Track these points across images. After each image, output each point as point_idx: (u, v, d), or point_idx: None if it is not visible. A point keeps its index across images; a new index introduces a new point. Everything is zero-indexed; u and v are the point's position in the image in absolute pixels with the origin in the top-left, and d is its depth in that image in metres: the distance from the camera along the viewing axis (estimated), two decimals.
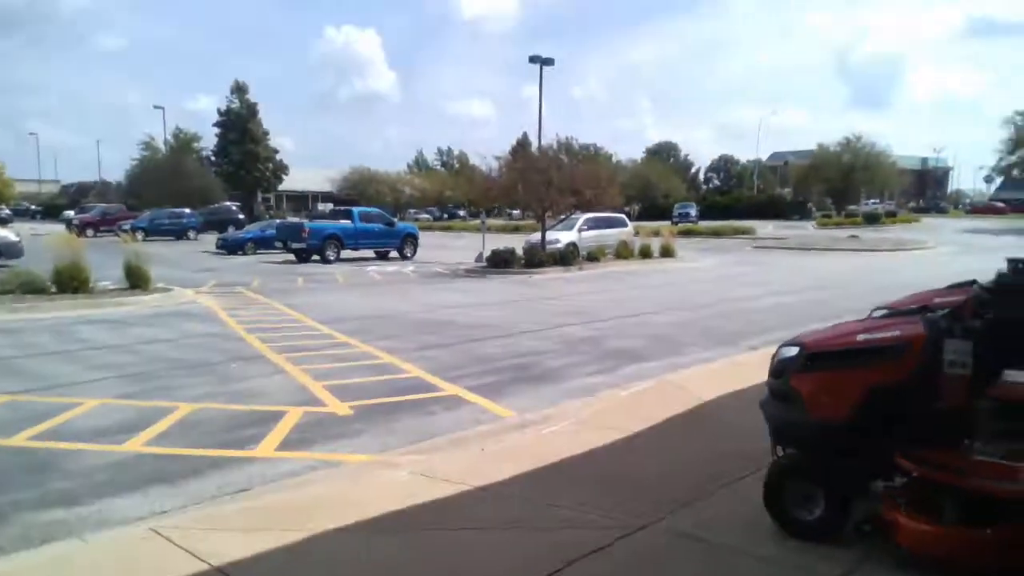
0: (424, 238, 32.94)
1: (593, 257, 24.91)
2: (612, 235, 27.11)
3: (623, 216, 30.01)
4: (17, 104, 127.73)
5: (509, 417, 6.68)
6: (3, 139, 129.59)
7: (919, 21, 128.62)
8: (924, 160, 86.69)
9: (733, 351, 9.88)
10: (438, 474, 5.03)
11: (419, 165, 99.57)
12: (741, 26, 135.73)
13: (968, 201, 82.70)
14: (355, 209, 30.21)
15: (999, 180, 70.07)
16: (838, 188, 65.91)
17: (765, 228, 47.20)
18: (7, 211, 61.03)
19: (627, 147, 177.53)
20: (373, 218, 29.43)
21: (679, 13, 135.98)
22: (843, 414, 3.82)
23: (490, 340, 10.71)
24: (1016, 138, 59.72)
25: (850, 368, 3.88)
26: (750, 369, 7.36)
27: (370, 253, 28.84)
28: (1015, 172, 64.73)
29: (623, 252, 26.34)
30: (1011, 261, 4.03)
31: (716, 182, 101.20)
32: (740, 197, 71.94)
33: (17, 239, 23.40)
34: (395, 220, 32.35)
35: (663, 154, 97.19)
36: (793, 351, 4.18)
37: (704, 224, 49.85)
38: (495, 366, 8.94)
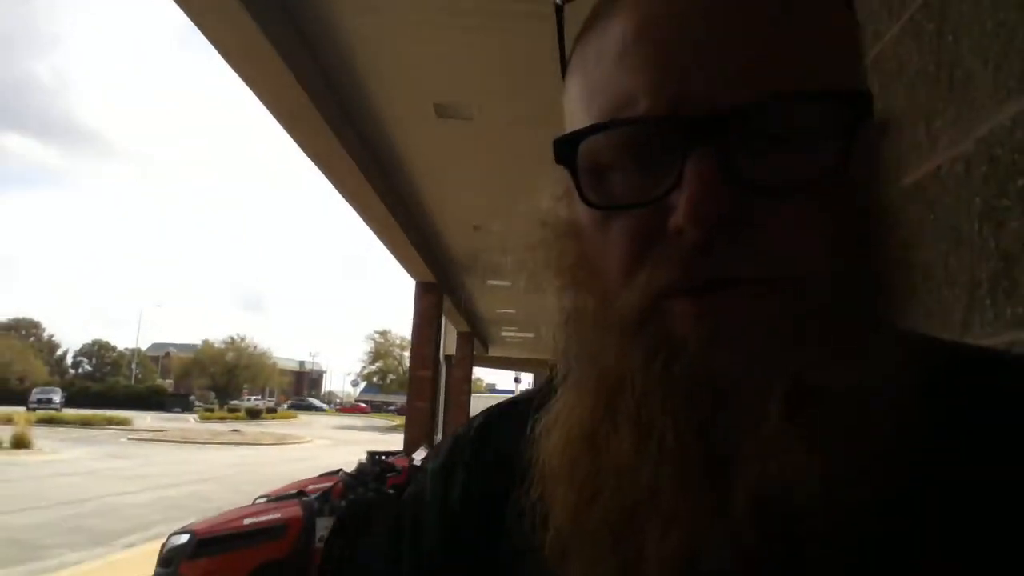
0: None
1: None
2: None
3: None
4: None
5: None
6: None
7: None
8: (302, 363, 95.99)
9: (108, 551, 8.61)
10: None
11: None
12: (112, 210, 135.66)
13: (338, 400, 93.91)
14: None
15: (363, 384, 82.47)
16: (221, 383, 67.30)
17: (144, 419, 44.18)
18: None
19: None
20: None
21: (44, 188, 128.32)
22: None
23: None
24: (375, 352, 72.50)
25: (238, 550, 4.29)
26: (129, 567, 7.21)
27: None
28: (375, 379, 77.71)
29: None
30: (369, 453, 5.23)
31: (88, 367, 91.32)
32: (116, 385, 66.42)
33: None
34: None
35: (20, 330, 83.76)
36: (184, 539, 4.46)
37: (71, 412, 43.81)
38: None
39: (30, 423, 26.90)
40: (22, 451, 22.24)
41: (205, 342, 71.54)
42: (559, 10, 0.48)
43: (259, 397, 70.36)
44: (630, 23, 0.42)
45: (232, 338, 69.91)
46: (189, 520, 9.51)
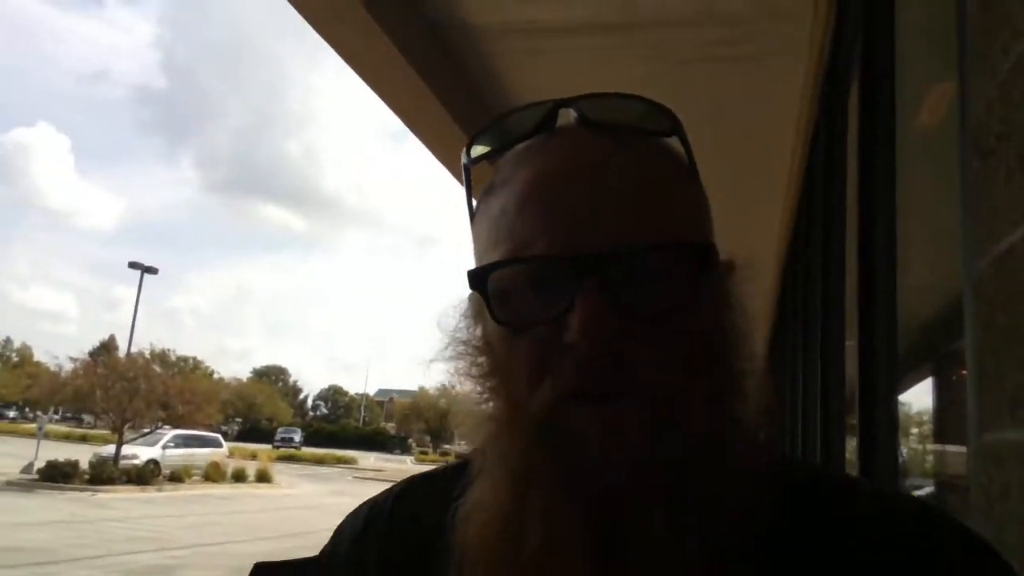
0: None
1: (177, 477, 22.46)
2: (203, 455, 25.00)
3: (218, 436, 28.16)
4: None
5: None
6: None
7: None
8: None
9: None
10: None
11: None
12: (349, 270, 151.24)
13: None
14: None
15: None
16: (436, 428, 71.33)
17: (368, 459, 47.91)
18: None
19: (233, 365, 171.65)
20: None
21: (293, 251, 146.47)
22: None
23: (25, 567, 8.65)
24: None
25: None
26: None
27: None
28: None
29: (213, 474, 24.25)
30: None
31: (324, 410, 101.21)
32: (347, 427, 73.00)
33: None
34: None
35: (271, 376, 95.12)
36: None
37: (308, 451, 48.76)
38: None
39: (271, 459, 30.45)
40: (264, 485, 25.21)
41: (421, 389, 76.45)
42: (467, 170, 0.59)
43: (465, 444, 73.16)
44: (528, 184, 0.53)
45: (444, 386, 73.63)
46: None
